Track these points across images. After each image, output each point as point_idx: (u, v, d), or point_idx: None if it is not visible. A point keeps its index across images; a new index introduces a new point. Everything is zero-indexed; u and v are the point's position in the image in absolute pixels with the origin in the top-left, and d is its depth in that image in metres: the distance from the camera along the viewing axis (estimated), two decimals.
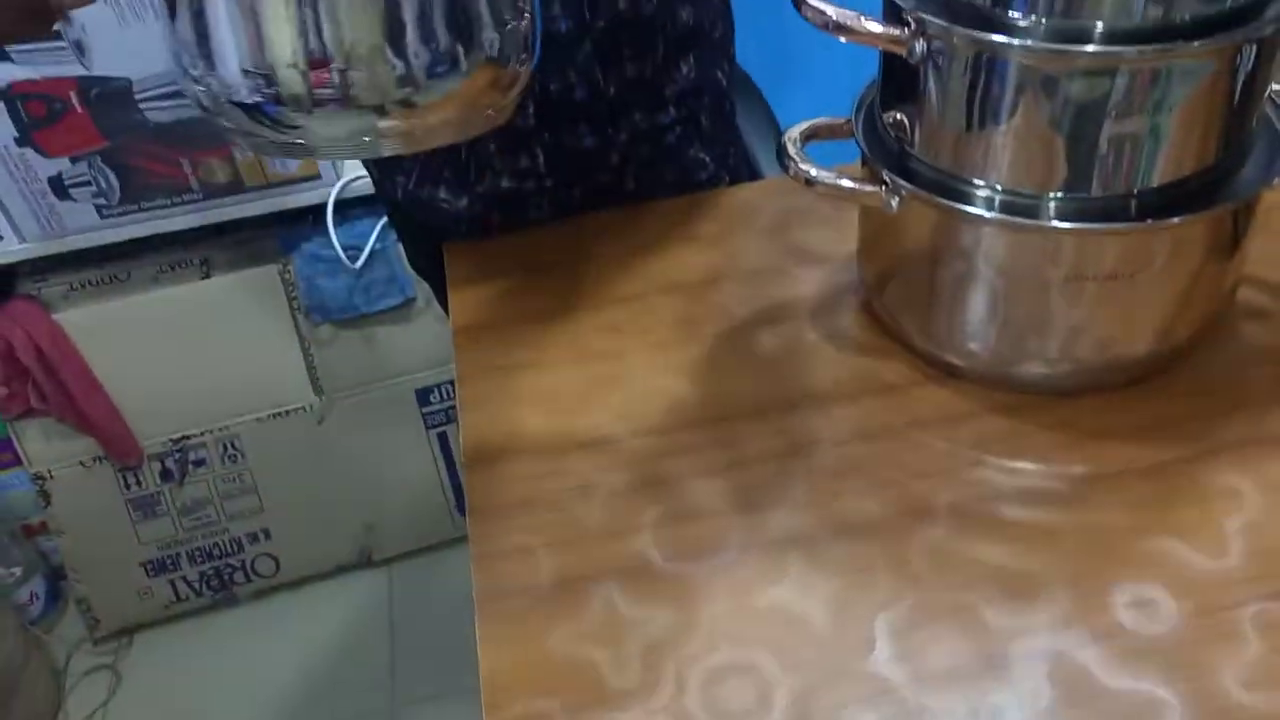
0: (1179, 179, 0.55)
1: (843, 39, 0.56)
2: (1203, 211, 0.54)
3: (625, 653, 0.50)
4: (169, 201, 1.32)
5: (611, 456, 0.61)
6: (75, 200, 1.29)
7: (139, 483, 1.47)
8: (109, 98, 1.21)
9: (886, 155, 0.60)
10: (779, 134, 0.96)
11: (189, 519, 1.51)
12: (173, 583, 1.55)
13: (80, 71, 1.19)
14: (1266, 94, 0.56)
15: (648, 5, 0.76)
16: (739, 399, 0.64)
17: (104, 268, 1.41)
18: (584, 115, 0.81)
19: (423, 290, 1.41)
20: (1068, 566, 0.51)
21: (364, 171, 1.34)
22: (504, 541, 0.56)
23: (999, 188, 0.56)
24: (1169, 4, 0.50)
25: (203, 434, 1.46)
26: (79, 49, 1.17)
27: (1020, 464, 0.58)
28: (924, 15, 0.53)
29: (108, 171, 1.27)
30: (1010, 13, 0.51)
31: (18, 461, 1.44)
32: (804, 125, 0.64)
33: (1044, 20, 0.51)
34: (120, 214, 1.31)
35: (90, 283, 1.41)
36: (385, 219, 1.37)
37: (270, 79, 0.43)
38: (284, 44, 0.42)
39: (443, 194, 0.85)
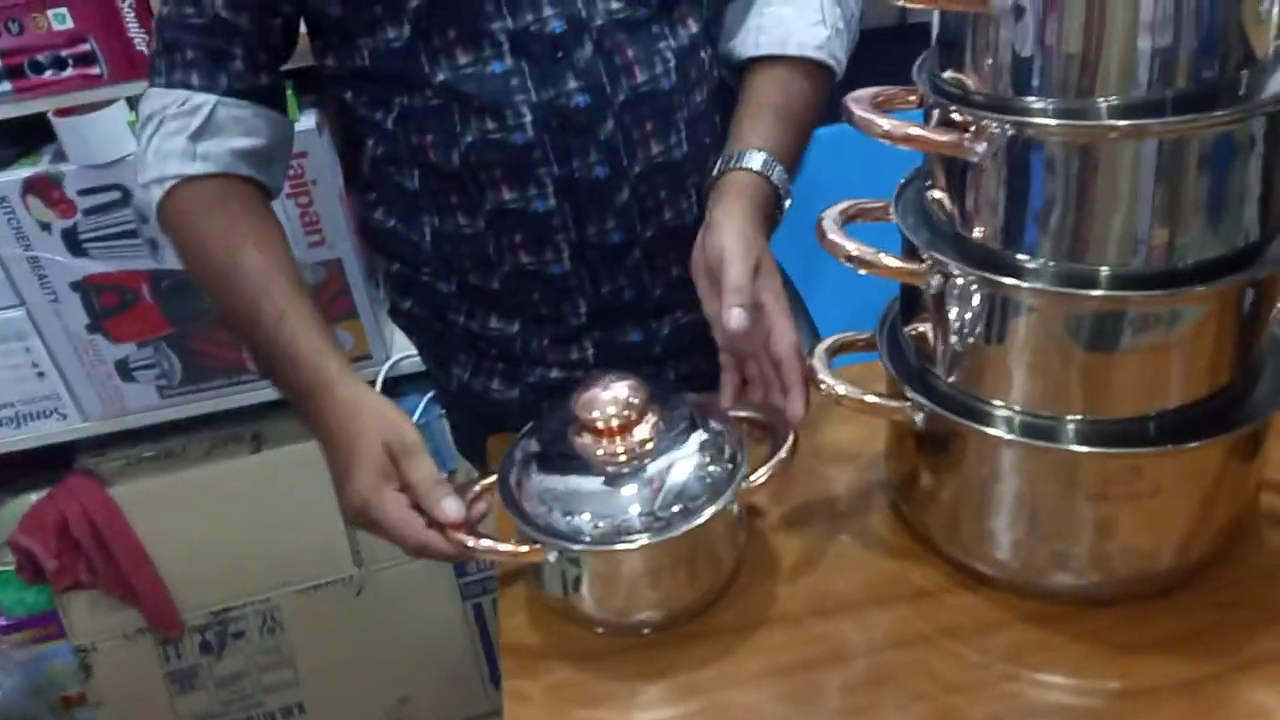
0: (1194, 402, 0.58)
1: (861, 271, 0.60)
2: (1217, 437, 0.57)
3: None
4: (226, 381, 1.38)
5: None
6: (138, 381, 1.36)
7: (179, 655, 1.48)
8: (177, 288, 1.29)
9: (909, 372, 0.64)
10: (811, 334, 1.01)
11: (226, 691, 1.51)
12: None
13: (152, 265, 1.28)
14: (1273, 316, 0.59)
15: (689, 214, 0.82)
16: (771, 604, 0.65)
17: (160, 443, 1.47)
18: (631, 313, 0.86)
19: (464, 468, 1.44)
20: None
21: (412, 351, 1.41)
22: None
23: (1018, 409, 0.59)
24: (1172, 251, 0.54)
25: (244, 605, 1.48)
26: (153, 245, 1.27)
27: (1053, 678, 0.59)
28: (938, 255, 0.57)
29: (171, 355, 1.34)
30: (1019, 255, 0.56)
31: (62, 634, 1.47)
32: (829, 341, 0.68)
33: (1051, 263, 0.55)
34: (180, 394, 1.38)
35: (146, 458, 1.46)
36: (430, 395, 1.42)
37: None
38: None
39: (495, 385, 0.90)
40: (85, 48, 1.15)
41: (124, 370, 1.34)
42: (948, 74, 0.55)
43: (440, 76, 0.76)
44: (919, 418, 0.62)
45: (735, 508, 0.64)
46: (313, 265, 1.31)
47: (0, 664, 1.40)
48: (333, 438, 0.70)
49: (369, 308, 1.37)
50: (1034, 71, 0.51)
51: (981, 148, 0.53)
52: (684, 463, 0.63)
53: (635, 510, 0.61)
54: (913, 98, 0.60)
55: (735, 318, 0.66)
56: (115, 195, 1.22)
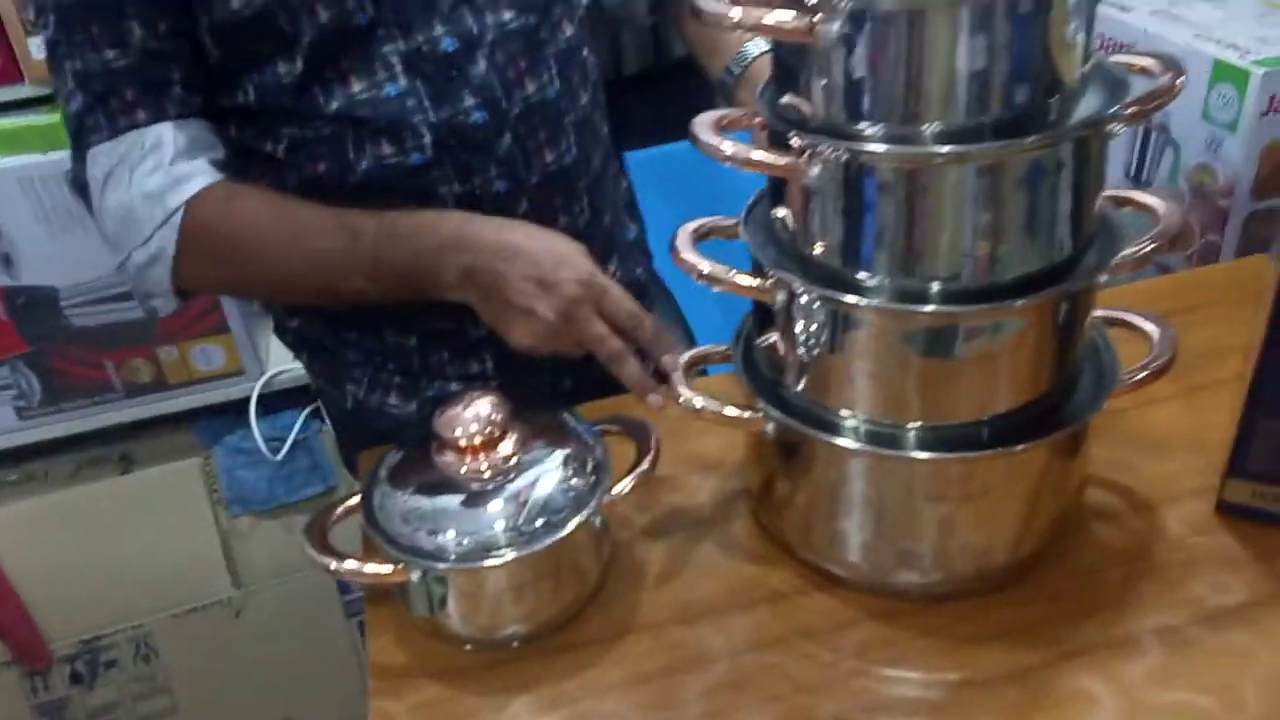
0: (1020, 407, 0.62)
1: (715, 289, 0.63)
2: (1039, 440, 0.61)
3: None
4: (90, 401, 1.33)
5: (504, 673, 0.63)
6: None
7: (46, 687, 1.42)
8: (34, 305, 1.24)
9: (762, 384, 0.67)
10: (687, 341, 1.04)
11: None
12: None
13: (6, 281, 1.22)
14: (1086, 325, 0.64)
15: (581, 219, 0.84)
16: (635, 613, 0.67)
17: (21, 466, 1.41)
18: None
19: (345, 480, 1.43)
20: None
21: (287, 366, 1.39)
22: None
23: (862, 418, 0.62)
24: (994, 267, 0.57)
25: (115, 633, 1.43)
26: (6, 260, 1.22)
27: (898, 672, 0.62)
28: (782, 273, 0.60)
29: (29, 374, 1.29)
30: (857, 272, 0.59)
31: None
32: (688, 355, 0.70)
33: (886, 280, 0.58)
34: (40, 414, 1.33)
35: (6, 482, 1.40)
36: (308, 410, 1.40)
37: None
38: None
39: (392, 400, 0.89)
40: None
41: None
42: (786, 99, 0.58)
43: (334, 105, 0.75)
44: (770, 428, 0.64)
45: (598, 520, 0.65)
46: None
47: None
48: (509, 247, 0.73)
49: (241, 322, 1.34)
50: (863, 99, 0.54)
51: (815, 171, 0.56)
52: (548, 477, 0.64)
53: (500, 526, 0.62)
54: (758, 119, 0.62)
55: None
56: None
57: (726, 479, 0.77)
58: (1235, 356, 0.68)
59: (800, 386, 0.64)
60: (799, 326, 0.61)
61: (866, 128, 0.55)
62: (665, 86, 1.28)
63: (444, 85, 0.76)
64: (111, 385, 1.33)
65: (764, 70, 0.85)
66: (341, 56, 0.75)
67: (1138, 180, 1.18)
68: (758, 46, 0.92)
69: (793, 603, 0.67)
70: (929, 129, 0.54)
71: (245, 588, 1.46)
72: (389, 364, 0.87)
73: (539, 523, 0.62)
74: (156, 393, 1.35)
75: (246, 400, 1.37)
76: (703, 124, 0.58)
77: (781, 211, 0.61)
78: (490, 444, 0.63)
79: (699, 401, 0.66)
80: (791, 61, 0.56)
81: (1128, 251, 0.61)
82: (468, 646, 0.66)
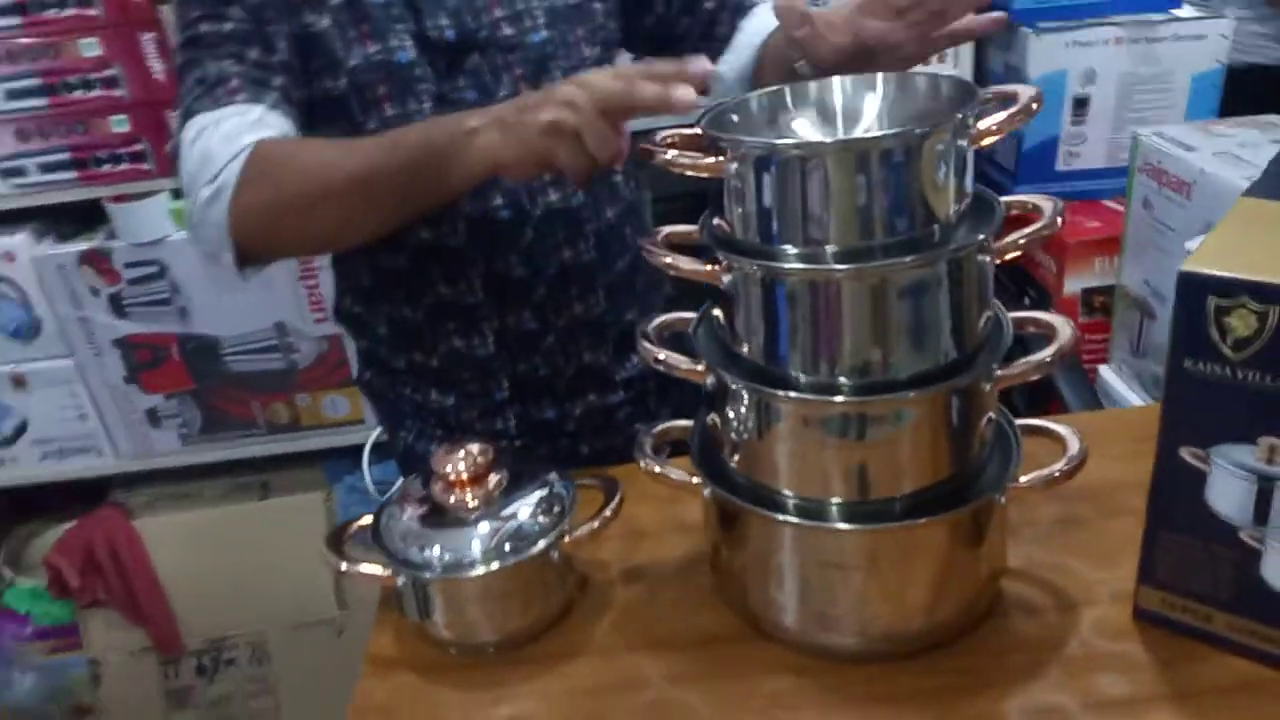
0: (927, 488, 0.70)
1: (660, 369, 0.75)
2: (936, 516, 0.68)
3: None
4: (238, 433, 1.57)
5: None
6: (164, 428, 1.56)
7: (177, 674, 1.65)
8: (201, 350, 1.50)
9: (709, 459, 0.77)
10: None
11: (214, 712, 1.67)
12: None
13: (181, 329, 1.49)
14: (983, 421, 0.71)
15: (596, 308, 0.98)
16: (591, 639, 0.78)
17: (182, 484, 1.66)
18: (547, 391, 1.01)
19: None
20: None
21: None
22: None
23: (788, 493, 0.72)
24: (889, 367, 0.67)
25: (237, 636, 1.65)
26: (182, 312, 1.48)
27: (785, 715, 0.70)
28: (715, 366, 0.71)
29: (193, 407, 1.54)
30: (779, 368, 0.69)
31: (78, 646, 1.65)
32: (658, 429, 0.82)
33: (803, 375, 0.69)
34: (199, 442, 1.58)
35: (168, 495, 1.66)
36: None
37: None
38: None
39: (434, 449, 1.05)
40: (139, 146, 1.38)
41: (153, 417, 1.55)
42: (716, 221, 0.70)
43: None
44: (708, 494, 0.75)
45: (556, 553, 0.78)
46: (316, 338, 1.51)
47: (22, 665, 1.58)
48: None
49: None
50: (770, 223, 0.66)
51: (737, 282, 0.68)
52: (522, 512, 0.78)
53: (477, 546, 0.76)
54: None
55: None
56: (155, 269, 1.44)
57: (700, 540, 0.88)
58: None
59: (735, 463, 0.75)
60: (732, 412, 0.72)
61: (778, 247, 0.67)
62: None
63: (479, 187, 0.90)
64: (256, 423, 1.56)
65: None
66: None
67: None
68: None
69: (724, 648, 0.77)
70: (829, 249, 0.65)
71: (348, 610, 1.64)
72: (432, 418, 1.04)
73: (509, 546, 0.75)
74: (292, 432, 1.58)
75: (362, 447, 1.58)
76: (651, 240, 0.72)
77: (717, 312, 0.73)
78: (476, 480, 0.77)
79: (656, 468, 0.78)
80: (718, 186, 0.69)
81: (1026, 361, 0.69)
82: (452, 650, 0.79)
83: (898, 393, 0.67)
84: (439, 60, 0.89)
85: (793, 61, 0.88)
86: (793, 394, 0.68)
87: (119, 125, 1.36)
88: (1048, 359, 0.69)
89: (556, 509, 0.78)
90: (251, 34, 0.85)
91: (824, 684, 0.73)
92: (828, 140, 0.61)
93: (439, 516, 0.78)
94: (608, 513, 0.80)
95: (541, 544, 0.76)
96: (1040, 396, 1.48)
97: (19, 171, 1.40)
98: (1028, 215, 0.71)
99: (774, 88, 0.75)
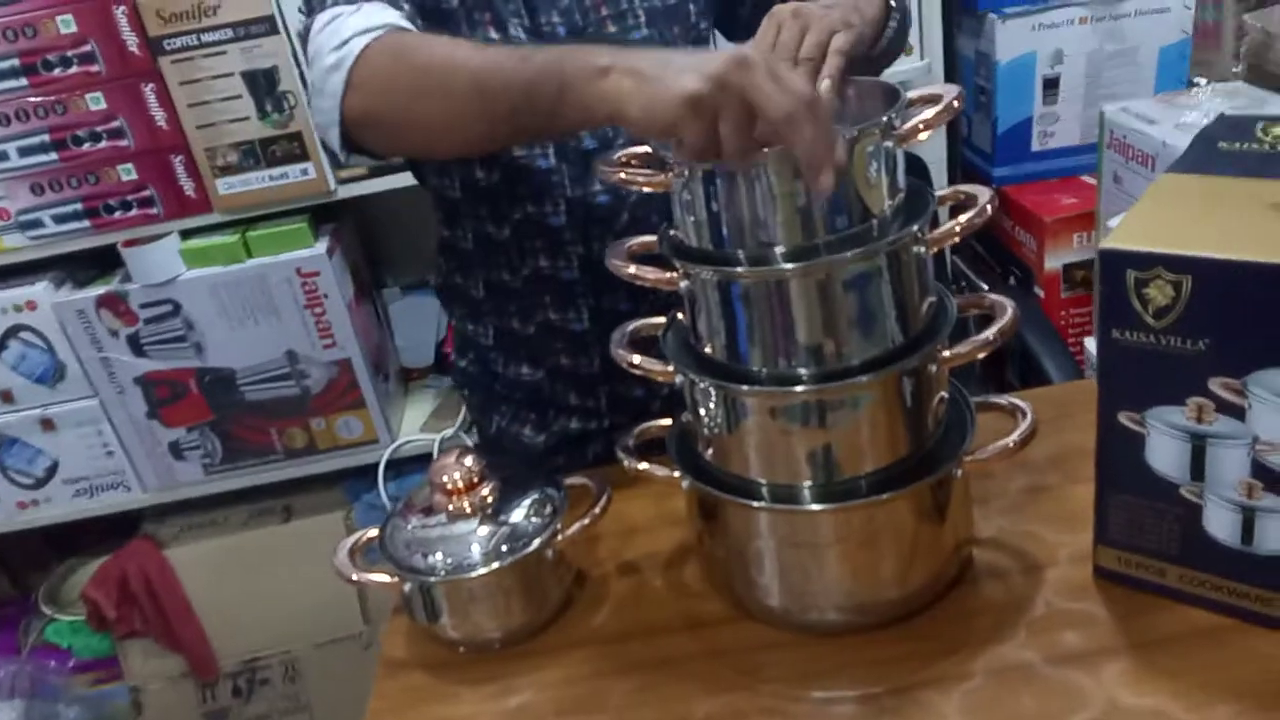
0: (888, 465, 0.75)
1: (636, 373, 0.80)
2: (899, 490, 0.73)
3: None
4: (258, 460, 1.64)
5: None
6: (187, 460, 1.62)
7: (214, 697, 1.71)
8: (217, 383, 1.56)
9: (686, 454, 0.82)
10: None
11: None
12: None
13: (198, 364, 1.55)
14: (935, 400, 0.76)
15: None
16: (589, 630, 0.84)
17: (207, 513, 1.73)
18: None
19: None
20: None
21: (416, 436, 1.65)
22: None
23: (758, 479, 0.77)
24: (841, 354, 0.72)
25: (269, 656, 1.71)
26: (198, 348, 1.55)
27: (769, 685, 0.75)
28: (682, 366, 0.76)
29: (213, 437, 1.61)
30: (740, 364, 0.74)
31: (119, 676, 1.72)
32: (637, 430, 0.87)
33: (764, 369, 0.74)
34: (220, 470, 1.64)
35: (195, 524, 1.72)
36: None
37: None
38: None
39: (526, 432, 1.11)
40: (147, 193, 1.45)
41: (176, 450, 1.62)
42: (672, 232, 0.76)
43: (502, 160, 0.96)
44: (686, 486, 0.81)
45: (551, 551, 0.83)
46: (326, 364, 1.57)
47: (67, 698, 1.65)
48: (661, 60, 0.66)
49: (375, 399, 1.61)
50: (721, 231, 0.71)
51: (694, 286, 0.73)
52: (515, 515, 0.83)
53: (475, 550, 0.81)
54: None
55: None
56: (169, 308, 1.51)
57: (688, 531, 0.93)
58: None
59: (710, 456, 0.80)
60: (702, 407, 0.78)
61: (730, 252, 0.72)
62: None
63: (582, 172, 0.96)
64: (275, 449, 1.63)
65: None
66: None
67: None
68: None
69: (712, 630, 0.82)
70: (778, 250, 0.70)
71: (373, 623, 1.70)
72: (525, 399, 1.08)
73: (506, 548, 0.81)
74: (309, 456, 1.64)
75: (377, 465, 1.64)
76: (615, 249, 0.77)
77: (681, 316, 0.78)
78: (471, 487, 0.83)
79: (640, 466, 0.83)
80: (670, 203, 0.74)
81: (973, 340, 0.74)
82: (460, 649, 0.85)
83: (851, 379, 0.71)
84: None
85: None
86: (756, 387, 0.74)
87: (127, 174, 1.43)
88: (990, 338, 0.73)
89: (549, 510, 0.84)
90: None
91: (805, 655, 0.77)
92: (766, 150, 0.66)
93: (440, 524, 0.83)
94: (597, 510, 0.85)
95: (536, 543, 0.81)
96: (1031, 371, 1.52)
97: (36, 224, 1.47)
98: (965, 204, 0.76)
99: None
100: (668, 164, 0.71)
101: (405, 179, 1.40)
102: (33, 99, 1.39)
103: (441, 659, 0.84)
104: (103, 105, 1.40)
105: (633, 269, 0.76)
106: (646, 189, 0.73)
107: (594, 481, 0.89)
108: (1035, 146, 1.71)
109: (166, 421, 1.59)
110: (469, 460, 0.84)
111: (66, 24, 1.36)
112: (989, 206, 0.72)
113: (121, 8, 1.35)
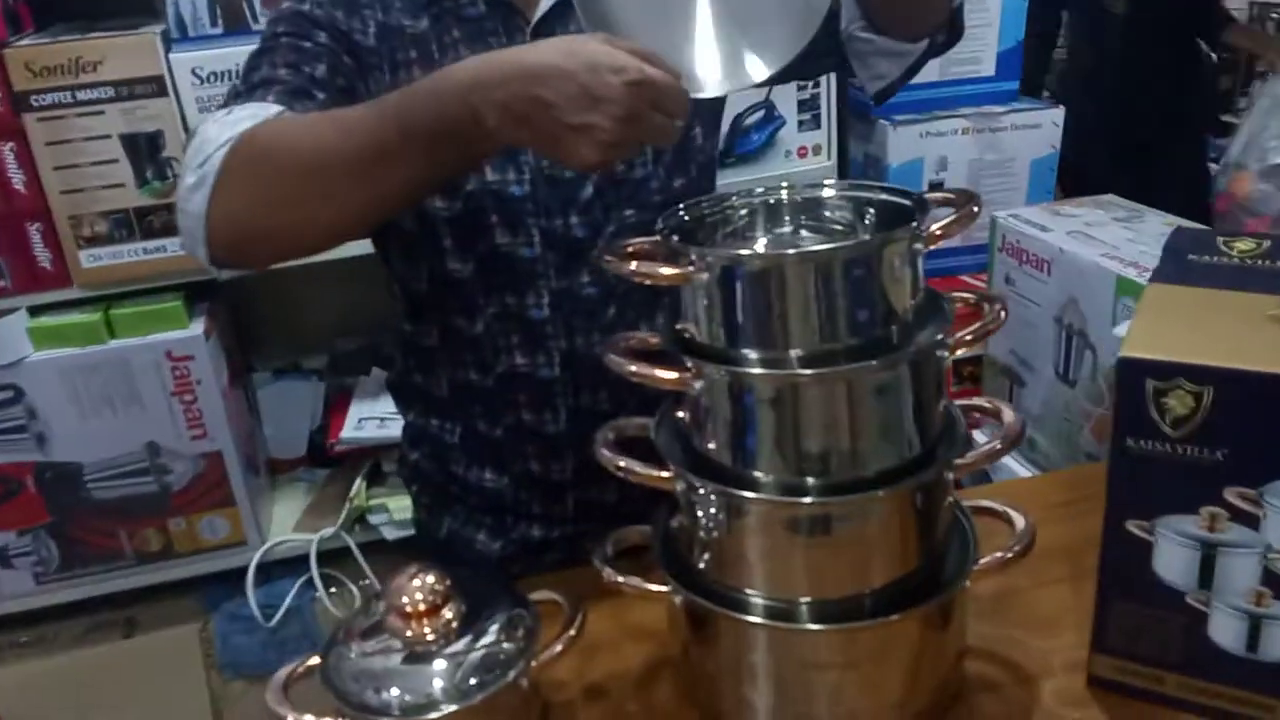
0: (894, 581, 0.71)
1: (631, 480, 0.74)
2: (909, 610, 0.69)
3: None
4: (103, 567, 1.44)
5: None
6: (15, 569, 1.41)
7: None
8: (60, 479, 1.37)
9: (676, 563, 0.76)
10: None
11: None
12: None
13: (39, 457, 1.36)
14: (945, 510, 0.73)
15: None
16: None
17: (34, 629, 1.50)
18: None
19: None
20: None
21: (285, 537, 1.49)
22: None
23: (757, 593, 0.72)
24: (859, 463, 0.68)
25: None
26: (39, 440, 1.36)
27: None
28: (681, 469, 0.71)
29: (50, 542, 1.40)
30: (745, 469, 0.69)
31: None
32: (615, 535, 0.80)
33: (769, 476, 0.69)
34: (56, 579, 1.43)
35: (17, 644, 1.49)
36: (303, 579, 1.49)
37: None
38: None
39: (481, 537, 1.01)
40: None
41: (2, 557, 1.40)
42: (679, 324, 0.71)
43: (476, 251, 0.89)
44: (678, 600, 0.74)
45: (525, 681, 0.74)
46: (193, 457, 1.41)
47: None
48: (540, 70, 0.66)
49: (245, 496, 1.46)
50: (736, 329, 0.67)
51: (702, 386, 0.68)
52: (483, 641, 0.74)
53: (438, 685, 0.71)
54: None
55: None
56: (9, 394, 1.32)
57: (658, 646, 0.86)
58: None
59: (703, 565, 0.74)
60: (700, 514, 0.72)
61: (741, 351, 0.67)
62: None
63: (567, 260, 0.90)
64: (123, 553, 1.43)
65: None
66: (492, 213, 0.88)
67: (1065, 378, 1.31)
68: None
69: None
70: (794, 354, 0.67)
71: None
72: (483, 503, 0.99)
73: (473, 681, 0.71)
74: (164, 560, 1.46)
75: (245, 569, 1.47)
76: (612, 345, 0.72)
77: (681, 413, 0.73)
78: (433, 610, 0.73)
79: (619, 577, 0.76)
80: (680, 294, 0.70)
81: (979, 450, 0.72)
82: None
83: (867, 492, 0.68)
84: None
85: None
86: (761, 495, 0.69)
87: None
88: (998, 446, 0.72)
89: (520, 633, 0.75)
90: (324, 55, 0.83)
91: None
92: (790, 252, 0.63)
93: (395, 653, 0.73)
94: (572, 632, 0.77)
95: (511, 674, 0.72)
96: None
97: None
98: (969, 309, 0.75)
99: (721, 193, 0.77)
100: (681, 256, 0.66)
101: None
102: None
103: None
104: None
105: (636, 367, 0.70)
106: (657, 283, 0.67)
107: (563, 597, 0.81)
108: None
109: None
110: (430, 578, 0.74)
111: None
112: (1002, 314, 0.71)
113: None
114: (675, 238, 0.70)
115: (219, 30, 1.25)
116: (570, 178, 0.89)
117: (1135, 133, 2.43)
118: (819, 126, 1.54)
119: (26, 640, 1.48)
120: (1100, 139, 2.37)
